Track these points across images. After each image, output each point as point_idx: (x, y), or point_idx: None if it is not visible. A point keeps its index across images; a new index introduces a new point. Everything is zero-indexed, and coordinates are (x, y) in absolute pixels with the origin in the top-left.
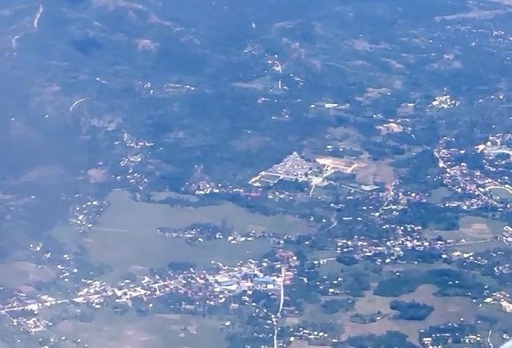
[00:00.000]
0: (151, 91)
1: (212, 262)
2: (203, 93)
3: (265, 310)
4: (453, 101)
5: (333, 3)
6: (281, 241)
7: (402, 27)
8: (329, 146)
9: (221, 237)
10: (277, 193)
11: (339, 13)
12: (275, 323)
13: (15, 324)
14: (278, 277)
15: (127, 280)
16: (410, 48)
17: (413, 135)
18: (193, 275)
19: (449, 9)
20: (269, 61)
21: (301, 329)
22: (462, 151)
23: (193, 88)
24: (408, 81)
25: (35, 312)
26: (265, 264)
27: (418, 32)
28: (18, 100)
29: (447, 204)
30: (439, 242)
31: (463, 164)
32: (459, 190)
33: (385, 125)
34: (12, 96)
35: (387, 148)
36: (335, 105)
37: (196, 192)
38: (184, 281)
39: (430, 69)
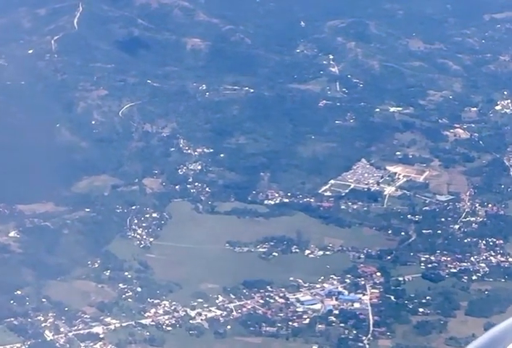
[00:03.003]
0: (207, 94)
1: (291, 278)
2: (261, 95)
3: (354, 332)
4: None
5: (381, 0)
6: (362, 256)
7: (453, 27)
8: (398, 153)
9: (297, 251)
10: (350, 203)
11: (388, 11)
12: (367, 346)
13: None
14: (363, 295)
15: (199, 300)
16: (464, 48)
17: (480, 142)
18: (272, 294)
19: (497, 7)
20: (324, 62)
21: None
22: None
23: (252, 90)
24: (467, 84)
25: (101, 336)
26: (348, 281)
27: (470, 32)
28: (62, 105)
29: None
30: None
31: None
32: None
33: (451, 131)
34: (56, 101)
35: (457, 156)
36: (399, 109)
37: (265, 202)
38: (262, 301)
39: (487, 71)
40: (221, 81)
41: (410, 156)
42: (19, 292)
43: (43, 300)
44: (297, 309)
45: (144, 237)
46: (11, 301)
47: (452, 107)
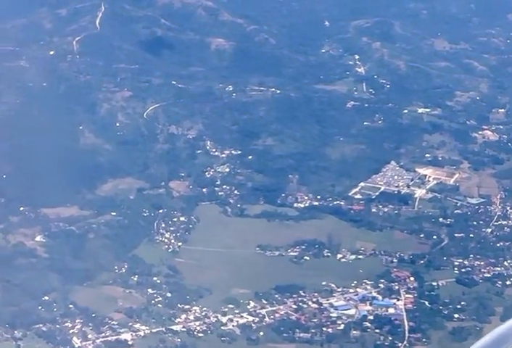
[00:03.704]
0: (234, 95)
1: (324, 283)
2: (288, 96)
3: (390, 338)
4: None
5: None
6: (394, 260)
7: (477, 26)
8: (427, 155)
9: (329, 255)
10: (380, 206)
11: (412, 10)
12: None
13: None
14: (398, 300)
15: (230, 305)
16: (489, 48)
17: (509, 144)
18: (305, 299)
19: None
20: (350, 62)
21: None
22: None
23: (278, 91)
24: (493, 85)
25: (130, 343)
26: (381, 286)
27: (495, 32)
28: (86, 107)
29: None
30: None
31: None
32: None
33: (480, 133)
34: (79, 103)
35: (486, 158)
36: (427, 110)
37: (294, 205)
38: (295, 306)
39: None
40: (247, 82)
41: (440, 159)
42: (46, 298)
43: (71, 306)
44: (331, 315)
45: (172, 241)
46: (39, 307)
47: (479, 108)
